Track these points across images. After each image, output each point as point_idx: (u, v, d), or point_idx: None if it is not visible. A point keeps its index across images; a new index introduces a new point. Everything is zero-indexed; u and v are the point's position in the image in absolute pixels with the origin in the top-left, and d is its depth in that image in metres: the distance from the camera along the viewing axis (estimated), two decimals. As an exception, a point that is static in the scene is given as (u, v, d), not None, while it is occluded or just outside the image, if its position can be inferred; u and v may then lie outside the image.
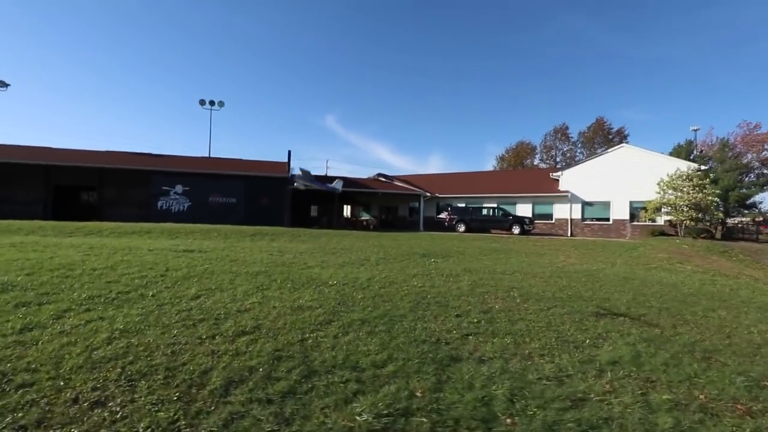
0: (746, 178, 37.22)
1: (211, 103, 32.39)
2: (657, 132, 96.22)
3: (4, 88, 26.21)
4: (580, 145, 56.96)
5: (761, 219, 34.92)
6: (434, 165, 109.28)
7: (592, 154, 55.97)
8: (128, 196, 21.97)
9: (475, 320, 5.32)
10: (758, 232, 27.89)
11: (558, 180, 26.43)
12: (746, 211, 32.39)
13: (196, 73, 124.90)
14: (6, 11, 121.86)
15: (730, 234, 22.94)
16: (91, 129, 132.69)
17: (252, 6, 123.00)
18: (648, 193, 23.02)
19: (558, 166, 55.93)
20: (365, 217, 32.28)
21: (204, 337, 3.98)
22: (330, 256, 11.79)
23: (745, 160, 38.12)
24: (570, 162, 57.13)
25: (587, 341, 4.73)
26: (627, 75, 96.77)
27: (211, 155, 28.28)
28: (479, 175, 34.28)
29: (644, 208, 23.38)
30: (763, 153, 38.04)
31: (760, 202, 36.96)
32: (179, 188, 22.86)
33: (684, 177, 21.45)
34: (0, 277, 5.86)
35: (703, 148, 39.97)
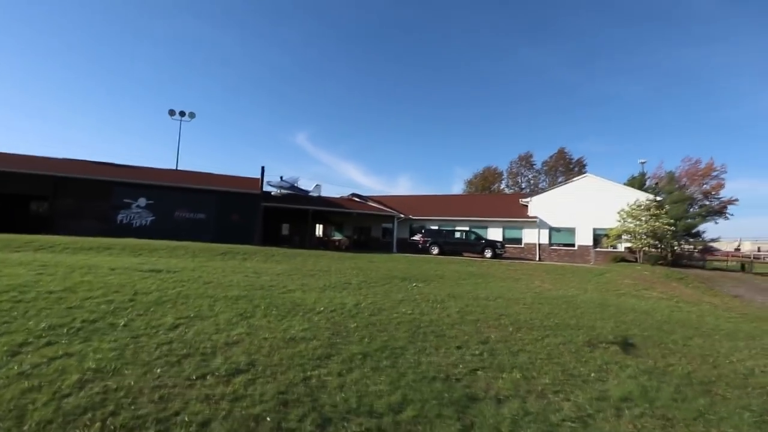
0: (690, 209, 40.39)
1: (182, 114, 30.93)
2: (611, 163, 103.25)
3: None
4: (543, 173, 59.89)
5: (710, 247, 37.78)
6: (403, 186, 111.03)
7: (554, 181, 58.97)
8: (85, 207, 20.28)
9: (477, 352, 5.16)
10: (704, 260, 30.04)
11: (527, 206, 27.39)
12: (691, 240, 35.00)
13: (162, 84, 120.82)
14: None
15: (679, 260, 24.48)
16: (47, 139, 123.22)
17: (222, 19, 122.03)
18: (609, 220, 24.29)
19: (523, 192, 58.35)
20: (338, 237, 31.76)
21: (194, 377, 3.53)
22: (309, 278, 11.32)
23: (689, 192, 41.44)
24: (534, 189, 59.74)
25: (592, 375, 4.68)
26: (583, 108, 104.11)
27: (179, 169, 26.95)
28: (451, 198, 34.93)
29: (606, 235, 24.61)
30: (704, 186, 41.61)
31: (704, 232, 40.10)
32: (142, 201, 21.44)
33: (642, 207, 22.88)
34: (-64, 303, 5.05)
35: (656, 180, 43.09)
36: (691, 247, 33.97)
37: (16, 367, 3.42)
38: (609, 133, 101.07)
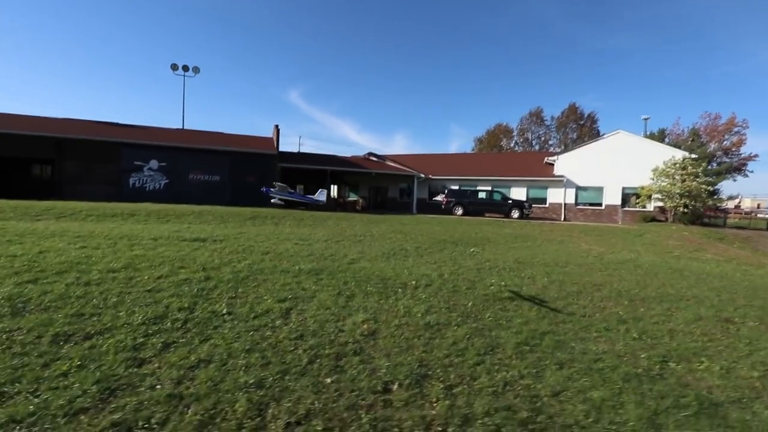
0: (709, 167, 39.57)
1: (185, 68, 28.48)
2: (612, 119, 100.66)
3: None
4: (554, 129, 58.09)
5: (736, 205, 37.45)
6: (399, 144, 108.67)
7: (565, 138, 57.41)
8: (94, 171, 19.02)
9: (632, 335, 4.48)
10: (725, 218, 29.69)
11: (552, 165, 26.36)
12: (714, 198, 34.57)
13: (149, 34, 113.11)
14: None
15: (699, 219, 23.94)
16: (43, 96, 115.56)
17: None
18: (640, 179, 23.47)
19: (533, 149, 56.88)
20: (353, 198, 30.82)
21: (378, 388, 2.78)
22: (360, 245, 10.56)
23: (709, 150, 40.38)
24: (544, 145, 58.27)
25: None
26: (584, 63, 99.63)
27: (190, 129, 25.26)
28: (470, 156, 33.67)
29: (636, 194, 23.89)
30: (724, 142, 40.51)
31: (721, 190, 39.56)
32: (154, 164, 20.17)
33: (678, 165, 21.98)
34: (-1, 289, 4.21)
35: (676, 137, 41.80)
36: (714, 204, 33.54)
37: (159, 388, 2.62)
38: (610, 89, 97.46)
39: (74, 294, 4.35)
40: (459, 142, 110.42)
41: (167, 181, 20.56)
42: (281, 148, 24.03)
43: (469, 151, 62.28)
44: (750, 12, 78.93)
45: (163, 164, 20.43)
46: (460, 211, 23.93)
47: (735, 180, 39.94)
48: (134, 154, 19.84)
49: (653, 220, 22.88)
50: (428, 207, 27.40)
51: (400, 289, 5.71)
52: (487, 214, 24.01)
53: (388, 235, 13.07)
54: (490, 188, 25.77)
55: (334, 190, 30.94)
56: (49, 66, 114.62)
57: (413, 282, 6.27)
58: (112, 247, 7.27)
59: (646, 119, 36.27)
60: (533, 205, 24.19)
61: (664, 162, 22.54)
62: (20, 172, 21.01)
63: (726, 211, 36.71)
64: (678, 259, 12.59)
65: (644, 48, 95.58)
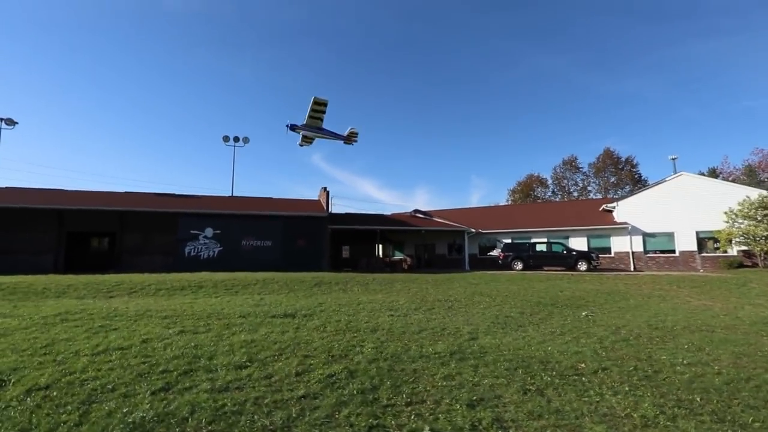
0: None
1: (236, 139, 30.05)
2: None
3: (11, 126, 23.59)
4: (592, 176, 56.84)
5: None
6: (421, 198, 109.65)
7: (606, 183, 55.95)
8: (152, 242, 19.23)
9: None
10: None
11: (611, 212, 24.97)
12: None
13: (181, 112, 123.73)
14: (7, 47, 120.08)
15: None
16: (98, 170, 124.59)
17: (236, 51, 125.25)
18: (714, 222, 21.70)
19: (573, 197, 55.42)
20: (399, 256, 29.91)
21: None
22: (453, 312, 9.47)
23: (766, 187, 37.93)
24: (583, 192, 56.83)
25: None
26: (601, 110, 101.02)
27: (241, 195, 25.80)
28: (519, 208, 32.68)
29: (713, 238, 21.94)
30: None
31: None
32: (209, 231, 20.24)
33: (757, 205, 20.27)
34: (141, 409, 3.43)
35: (729, 175, 39.81)
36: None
37: None
38: (630, 133, 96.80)
39: (228, 407, 3.50)
40: (480, 193, 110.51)
41: (221, 248, 20.45)
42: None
43: (495, 203, 61.63)
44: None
45: (218, 231, 20.47)
46: (519, 266, 22.47)
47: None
48: (190, 223, 20.04)
49: (740, 265, 20.66)
50: (480, 263, 26.07)
51: (560, 377, 4.58)
52: (545, 268, 22.45)
53: (473, 298, 11.92)
54: (546, 240, 24.43)
55: (378, 249, 30.22)
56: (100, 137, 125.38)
57: (559, 361, 5.13)
58: (213, 331, 6.52)
59: (673, 159, 33.96)
60: (600, 256, 22.51)
61: (738, 202, 20.86)
62: (82, 246, 21.49)
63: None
64: (822, 314, 10.70)
65: (657, 90, 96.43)
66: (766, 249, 19.62)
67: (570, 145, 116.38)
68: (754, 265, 20.57)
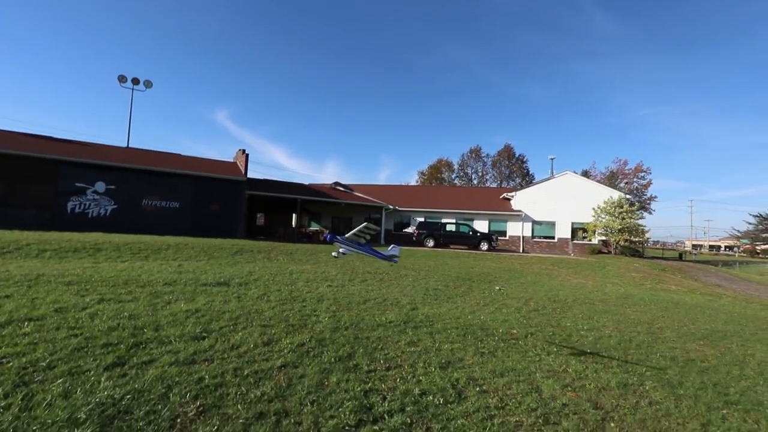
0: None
1: (134, 81, 24.94)
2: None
3: None
4: (489, 166, 62.96)
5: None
6: (330, 171, 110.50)
7: (501, 174, 62.47)
8: (19, 192, 15.52)
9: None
10: (644, 250, 34.26)
11: (509, 200, 28.29)
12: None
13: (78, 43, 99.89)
14: None
15: (637, 252, 27.44)
16: None
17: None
18: (585, 215, 26.25)
19: (472, 184, 60.78)
20: (314, 227, 29.51)
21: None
22: (385, 285, 9.93)
23: (621, 190, 46.84)
24: (482, 180, 62.66)
25: None
26: (499, 106, 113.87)
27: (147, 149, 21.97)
28: (433, 189, 34.66)
29: (583, 229, 26.54)
30: (633, 184, 47.46)
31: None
32: (101, 186, 17.16)
33: (615, 204, 25.07)
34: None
35: (596, 178, 47.78)
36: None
37: None
38: (521, 131, 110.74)
39: (207, 380, 3.28)
40: (388, 171, 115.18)
41: (115, 206, 17.62)
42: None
43: (405, 182, 64.86)
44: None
45: (111, 187, 17.52)
46: (431, 243, 24.22)
47: (643, 217, 46.77)
48: (75, 174, 16.74)
49: (599, 252, 25.48)
50: (395, 238, 27.29)
51: (521, 342, 5.36)
52: (452, 246, 24.62)
53: (399, 271, 12.56)
54: (454, 221, 26.62)
55: (293, 219, 29.30)
56: None
57: (514, 331, 5.96)
58: (141, 300, 5.81)
59: (552, 159, 39.02)
60: (498, 238, 25.45)
61: (604, 201, 25.50)
62: None
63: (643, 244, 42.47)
64: (656, 291, 14.00)
65: (547, 98, 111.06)
66: (618, 239, 24.50)
67: (475, 136, 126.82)
68: (609, 252, 25.58)
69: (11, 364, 3.28)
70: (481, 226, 27.27)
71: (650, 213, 46.51)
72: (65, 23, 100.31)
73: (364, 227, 5.23)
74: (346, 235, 5.52)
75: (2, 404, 2.66)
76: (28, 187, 15.91)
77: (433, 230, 24.80)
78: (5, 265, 8.04)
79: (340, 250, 5.66)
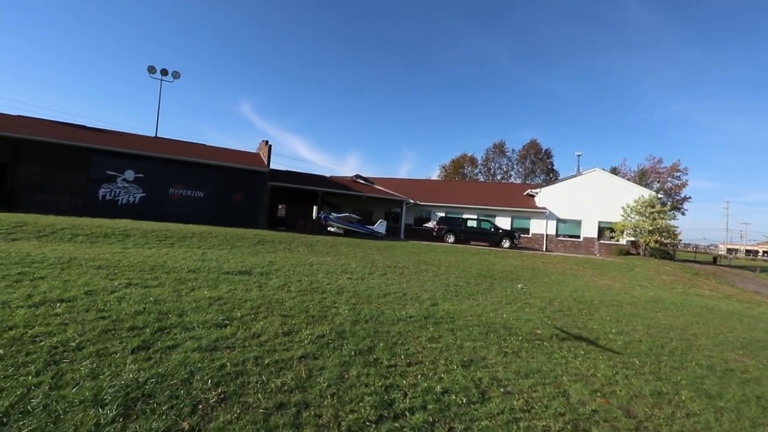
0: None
1: (163, 72, 25.72)
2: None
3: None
4: (515, 162, 61.55)
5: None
6: (351, 164, 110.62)
7: (526, 170, 61.02)
8: (55, 179, 16.25)
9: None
10: (675, 252, 32.86)
11: (533, 197, 27.56)
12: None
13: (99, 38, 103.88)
14: None
15: (668, 254, 26.23)
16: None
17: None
18: (613, 214, 25.28)
19: (496, 179, 59.64)
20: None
21: None
22: (406, 279, 9.84)
23: (654, 189, 44.93)
24: (506, 176, 61.42)
25: None
26: (523, 100, 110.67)
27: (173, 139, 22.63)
28: (455, 184, 34.23)
29: (610, 229, 25.60)
30: (667, 184, 45.38)
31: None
32: (130, 174, 17.77)
33: (647, 203, 24.00)
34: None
35: (626, 177, 45.97)
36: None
37: None
38: (548, 126, 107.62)
39: (228, 367, 3.28)
40: (410, 166, 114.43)
41: (143, 194, 18.21)
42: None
43: (427, 176, 64.13)
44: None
45: (140, 175, 18.11)
46: (451, 239, 23.94)
47: (676, 218, 44.64)
48: (107, 162, 17.37)
49: (627, 253, 24.53)
50: (414, 233, 27.17)
51: (546, 343, 5.17)
52: (473, 243, 24.23)
53: (419, 266, 12.44)
54: (476, 217, 26.19)
55: (314, 211, 29.55)
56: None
57: (539, 332, 5.76)
58: (167, 286, 5.93)
59: (579, 155, 37.40)
60: (520, 235, 24.90)
61: (634, 200, 24.47)
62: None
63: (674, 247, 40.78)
64: (688, 296, 13.34)
65: (576, 92, 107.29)
66: (648, 241, 23.50)
67: (499, 131, 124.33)
68: (637, 253, 24.59)
69: (43, 343, 3.38)
70: (504, 222, 26.75)
71: (683, 214, 44.40)
72: (103, 15, 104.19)
73: (349, 215, 5.34)
74: (338, 216, 5.82)
75: (34, 381, 2.74)
76: (63, 174, 16.63)
77: (454, 225, 24.50)
78: (41, 248, 8.40)
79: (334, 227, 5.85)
